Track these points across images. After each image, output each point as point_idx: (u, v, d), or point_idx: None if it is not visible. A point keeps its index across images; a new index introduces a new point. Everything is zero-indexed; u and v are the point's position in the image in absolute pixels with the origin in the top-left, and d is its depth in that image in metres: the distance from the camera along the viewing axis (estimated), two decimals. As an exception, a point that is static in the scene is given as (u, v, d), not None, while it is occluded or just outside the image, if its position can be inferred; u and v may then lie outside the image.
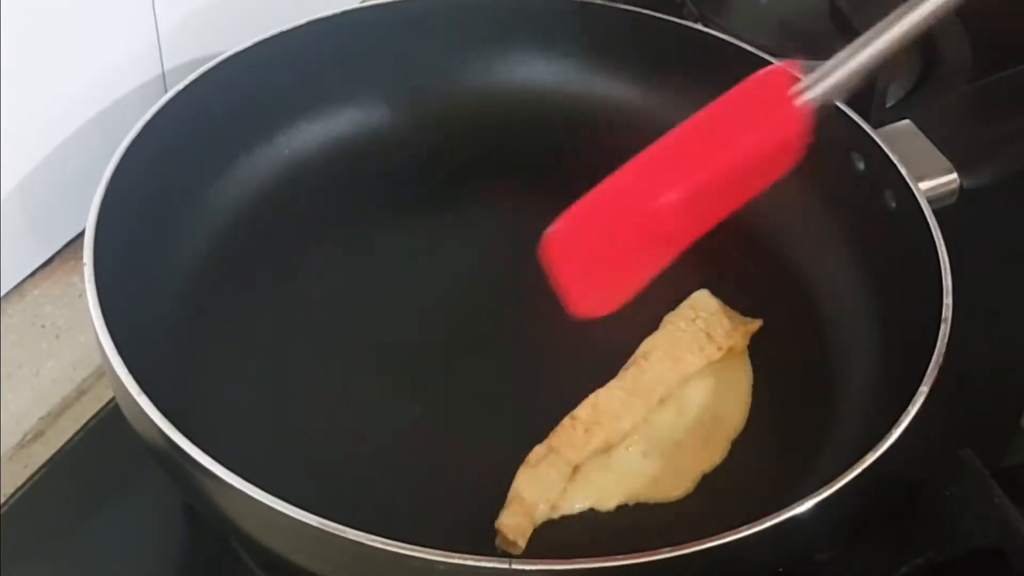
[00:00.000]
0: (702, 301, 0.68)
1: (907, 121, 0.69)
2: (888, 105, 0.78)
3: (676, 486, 0.60)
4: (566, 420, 0.61)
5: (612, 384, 0.63)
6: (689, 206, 0.57)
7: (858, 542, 0.60)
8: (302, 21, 0.71)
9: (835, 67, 0.57)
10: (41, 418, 0.66)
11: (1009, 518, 0.56)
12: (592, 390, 0.63)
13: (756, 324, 0.67)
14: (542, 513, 0.58)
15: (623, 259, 0.59)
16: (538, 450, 0.60)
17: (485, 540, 0.51)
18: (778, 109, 0.57)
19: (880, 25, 0.56)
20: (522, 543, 0.56)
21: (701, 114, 0.59)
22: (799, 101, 0.56)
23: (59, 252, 0.72)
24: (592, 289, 0.59)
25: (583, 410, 0.62)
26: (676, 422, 0.63)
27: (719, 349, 0.65)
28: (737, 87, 0.59)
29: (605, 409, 0.62)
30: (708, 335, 0.66)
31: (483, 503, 0.59)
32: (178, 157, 0.66)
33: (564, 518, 0.59)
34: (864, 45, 0.56)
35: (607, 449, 0.61)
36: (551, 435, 0.61)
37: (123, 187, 0.61)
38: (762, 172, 0.58)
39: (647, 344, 0.65)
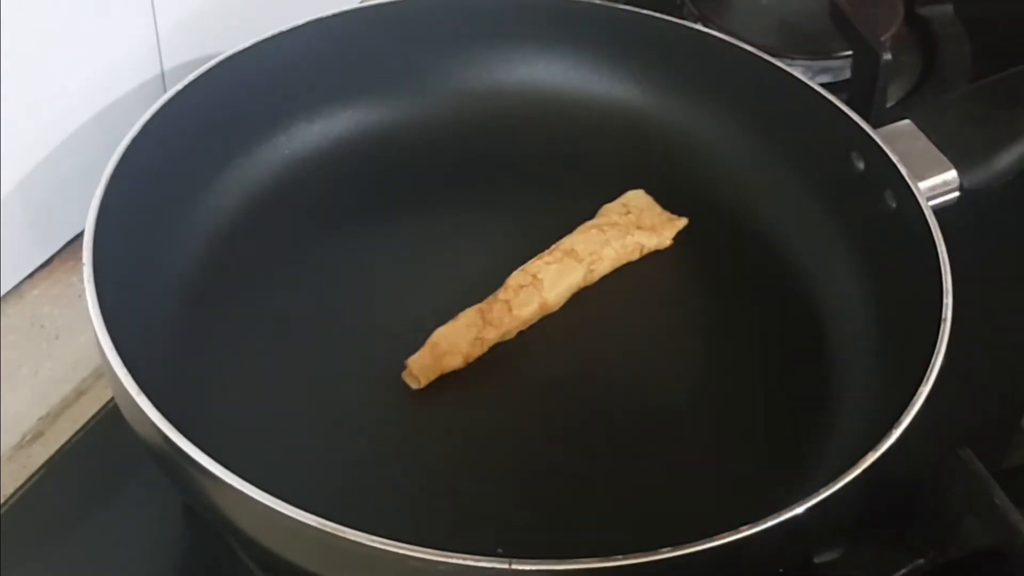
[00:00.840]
0: (635, 198, 0.73)
1: (907, 121, 0.69)
2: (888, 105, 0.78)
3: None
4: (500, 294, 0.66)
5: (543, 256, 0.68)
6: None
7: (858, 542, 0.60)
8: (301, 21, 0.71)
9: None
10: (40, 418, 0.66)
11: (1010, 519, 0.56)
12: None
13: (683, 221, 0.72)
14: (451, 363, 0.64)
15: None
16: (469, 313, 0.65)
17: (486, 539, 0.51)
18: None
19: None
20: (424, 381, 0.63)
21: None
22: None
23: (58, 252, 0.72)
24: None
25: (515, 279, 0.67)
26: None
27: (649, 238, 0.70)
28: None
29: (541, 276, 0.67)
30: (638, 225, 0.71)
31: (484, 503, 0.59)
32: (177, 157, 0.66)
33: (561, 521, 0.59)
34: None
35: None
36: (487, 304, 0.66)
37: (122, 187, 0.61)
38: None
39: (580, 227, 0.70)
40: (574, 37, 0.77)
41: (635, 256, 0.70)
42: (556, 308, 0.67)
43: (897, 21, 0.83)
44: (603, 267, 0.69)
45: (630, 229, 0.70)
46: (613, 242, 0.69)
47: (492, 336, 0.65)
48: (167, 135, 0.65)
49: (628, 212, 0.71)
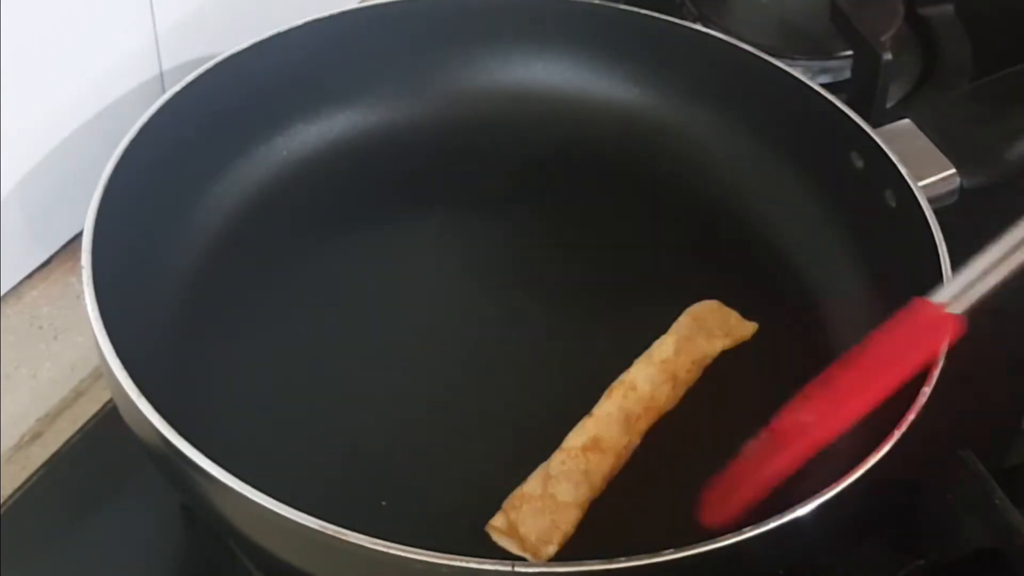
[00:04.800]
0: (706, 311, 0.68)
1: (907, 120, 0.69)
2: (888, 105, 0.78)
3: None
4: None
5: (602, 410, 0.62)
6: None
7: (859, 544, 0.59)
8: (300, 22, 0.71)
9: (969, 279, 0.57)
10: (39, 419, 0.66)
11: (1010, 519, 0.56)
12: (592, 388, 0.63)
13: (753, 327, 0.67)
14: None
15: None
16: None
17: (488, 542, 0.51)
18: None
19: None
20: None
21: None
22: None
23: (57, 253, 0.72)
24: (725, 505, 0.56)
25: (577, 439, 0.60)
26: None
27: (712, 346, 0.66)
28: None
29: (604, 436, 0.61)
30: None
31: (486, 504, 0.59)
32: (176, 158, 0.66)
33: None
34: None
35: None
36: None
37: (121, 188, 0.61)
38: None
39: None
40: (573, 37, 0.77)
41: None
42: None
43: (897, 21, 0.83)
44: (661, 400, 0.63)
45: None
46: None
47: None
48: (166, 136, 0.65)
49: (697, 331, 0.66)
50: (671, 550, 0.48)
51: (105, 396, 0.66)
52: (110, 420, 0.63)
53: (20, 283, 0.70)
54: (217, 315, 0.65)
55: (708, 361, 0.65)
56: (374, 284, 0.69)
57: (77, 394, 0.67)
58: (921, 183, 0.65)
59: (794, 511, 0.50)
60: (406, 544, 0.47)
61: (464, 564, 0.47)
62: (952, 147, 0.68)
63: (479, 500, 0.59)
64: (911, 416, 0.54)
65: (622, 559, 0.47)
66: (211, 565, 0.61)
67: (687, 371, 0.64)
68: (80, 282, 0.57)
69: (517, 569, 0.47)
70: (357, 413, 0.63)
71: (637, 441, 0.61)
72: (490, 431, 0.62)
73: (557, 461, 0.59)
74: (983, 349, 0.68)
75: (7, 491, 0.62)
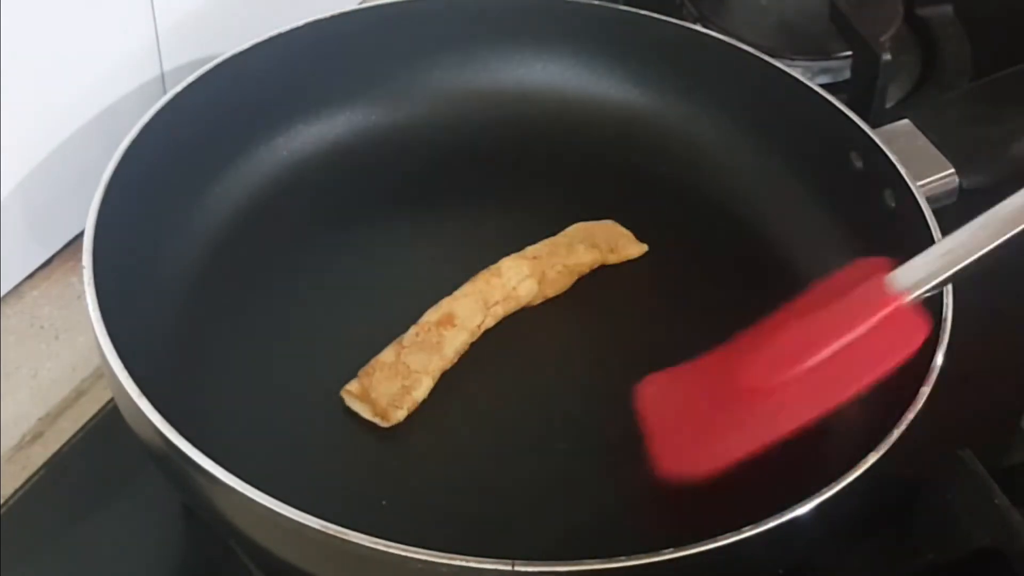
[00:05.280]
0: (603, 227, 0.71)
1: (906, 121, 0.69)
2: (888, 105, 0.78)
3: None
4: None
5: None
6: (785, 391, 0.57)
7: (858, 543, 0.59)
8: (301, 23, 0.71)
9: (930, 259, 0.57)
10: (40, 419, 0.66)
11: (1009, 519, 0.56)
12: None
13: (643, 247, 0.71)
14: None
15: (716, 428, 0.58)
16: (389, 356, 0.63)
17: (489, 540, 0.51)
18: (880, 305, 0.56)
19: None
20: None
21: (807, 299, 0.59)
22: (899, 296, 0.56)
23: (58, 253, 0.72)
24: (680, 448, 0.58)
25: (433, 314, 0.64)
26: None
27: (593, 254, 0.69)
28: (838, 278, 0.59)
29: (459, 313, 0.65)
30: (593, 244, 0.70)
31: (486, 503, 0.59)
32: (177, 158, 0.66)
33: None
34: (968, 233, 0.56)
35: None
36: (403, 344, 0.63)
37: (122, 188, 0.61)
38: (870, 364, 0.56)
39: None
40: (573, 37, 0.77)
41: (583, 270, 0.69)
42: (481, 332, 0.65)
43: (897, 21, 0.83)
44: (527, 287, 0.67)
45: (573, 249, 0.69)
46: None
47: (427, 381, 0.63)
48: (167, 136, 0.65)
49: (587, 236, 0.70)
50: (671, 550, 0.48)
51: (106, 396, 0.66)
52: (111, 420, 0.63)
53: (21, 283, 0.70)
54: (218, 315, 0.65)
55: (584, 269, 0.69)
56: (374, 284, 0.69)
57: (78, 394, 0.67)
58: (920, 183, 0.65)
59: (794, 510, 0.50)
60: (406, 543, 0.47)
61: (464, 563, 0.47)
62: (951, 147, 0.68)
63: (480, 498, 0.59)
64: (910, 416, 0.54)
65: (622, 558, 0.47)
66: (211, 565, 0.61)
67: (557, 272, 0.67)
68: (81, 282, 0.57)
69: (517, 568, 0.47)
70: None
71: (491, 324, 0.65)
72: (490, 429, 0.63)
73: (412, 333, 0.63)
74: (983, 349, 0.68)
75: (7, 491, 0.63)
